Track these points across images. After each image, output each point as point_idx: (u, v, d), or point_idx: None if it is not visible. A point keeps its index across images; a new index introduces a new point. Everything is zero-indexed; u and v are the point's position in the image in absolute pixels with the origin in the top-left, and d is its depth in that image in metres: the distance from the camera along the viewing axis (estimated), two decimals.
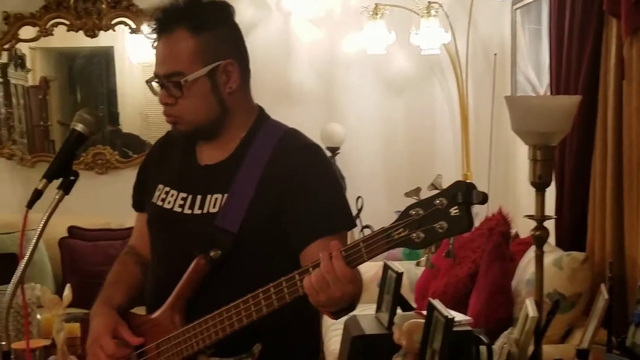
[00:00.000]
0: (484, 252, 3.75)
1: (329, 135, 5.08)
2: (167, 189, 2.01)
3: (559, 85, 3.91)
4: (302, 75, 5.35)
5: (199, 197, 1.95)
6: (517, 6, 4.99)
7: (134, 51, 5.54)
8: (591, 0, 3.50)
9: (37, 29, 5.33)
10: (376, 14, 4.94)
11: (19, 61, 5.59)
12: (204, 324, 1.82)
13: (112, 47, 5.57)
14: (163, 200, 2.01)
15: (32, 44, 5.47)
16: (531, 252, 3.57)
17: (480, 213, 4.85)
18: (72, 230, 5.05)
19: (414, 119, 5.46)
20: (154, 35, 1.92)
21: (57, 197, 1.81)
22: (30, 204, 1.78)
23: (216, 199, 1.92)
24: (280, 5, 5.38)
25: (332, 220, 1.93)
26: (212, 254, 1.86)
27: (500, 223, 3.89)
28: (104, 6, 5.30)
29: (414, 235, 1.57)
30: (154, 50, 1.93)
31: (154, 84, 1.94)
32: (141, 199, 2.13)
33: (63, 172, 1.84)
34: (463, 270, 3.85)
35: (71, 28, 5.34)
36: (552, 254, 3.41)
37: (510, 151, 5.34)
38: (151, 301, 2.00)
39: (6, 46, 5.36)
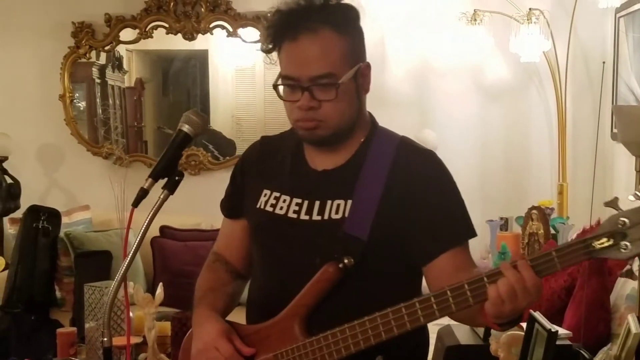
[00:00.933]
0: (581, 265, 3.65)
1: (421, 142, 5.01)
2: (277, 194, 1.95)
3: None
4: (397, 81, 5.31)
5: (317, 203, 1.89)
6: (620, 14, 4.86)
7: (228, 55, 5.60)
8: None
9: (137, 31, 5.43)
10: (475, 20, 4.88)
11: (117, 63, 5.71)
12: (332, 337, 1.76)
13: (206, 50, 5.64)
14: (273, 206, 1.94)
15: (129, 47, 5.58)
16: (633, 266, 3.47)
17: (576, 224, 4.76)
18: (164, 230, 5.11)
19: (510, 127, 5.37)
20: (281, 36, 1.83)
21: (161, 196, 1.81)
22: (136, 203, 1.79)
23: (338, 204, 1.86)
24: (377, 10, 5.36)
25: (458, 231, 1.90)
26: (345, 261, 1.79)
27: None
28: (203, 9, 5.37)
29: (621, 244, 1.55)
30: (284, 52, 1.84)
31: (283, 88, 1.86)
32: (237, 206, 2.06)
33: (168, 172, 1.83)
34: (558, 282, 3.75)
35: (170, 31, 5.42)
36: None
37: (608, 162, 5.22)
38: (258, 311, 1.95)
39: (107, 47, 5.48)
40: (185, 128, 1.83)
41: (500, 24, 5.02)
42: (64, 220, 4.89)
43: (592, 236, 1.56)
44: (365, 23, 5.69)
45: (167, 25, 5.42)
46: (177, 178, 1.82)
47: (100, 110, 5.67)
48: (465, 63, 5.24)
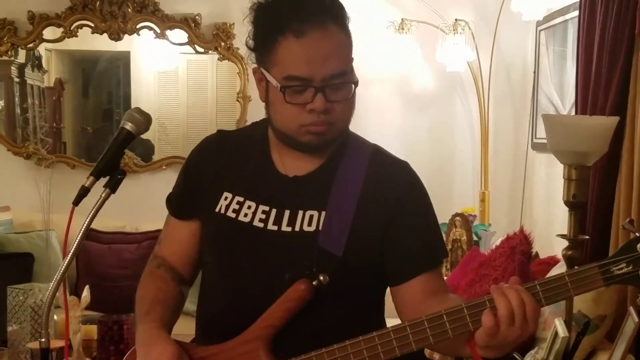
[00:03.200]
0: (505, 270, 3.72)
1: None
2: (240, 199, 1.77)
3: (584, 106, 3.89)
4: None
5: (287, 212, 1.73)
6: (541, 27, 4.98)
7: (151, 57, 5.53)
8: (622, 23, 3.49)
9: (61, 29, 5.30)
10: (402, 29, 4.94)
11: (37, 62, 5.57)
12: None
13: (128, 52, 5.55)
14: (236, 211, 1.76)
15: (49, 46, 5.45)
16: (555, 272, 3.55)
17: (498, 231, 4.86)
18: (88, 233, 5.00)
19: (434, 136, 5.45)
20: (278, 31, 1.64)
21: (103, 195, 1.76)
22: (76, 201, 1.74)
23: (311, 215, 1.72)
24: None
25: (435, 252, 1.80)
26: (321, 278, 1.63)
27: (522, 242, 3.87)
28: (129, 10, 5.28)
29: None
30: (286, 49, 1.64)
31: (286, 89, 1.66)
32: (187, 206, 1.88)
33: (110, 170, 1.77)
34: (483, 288, 3.82)
35: (95, 30, 5.31)
36: None
37: (528, 171, 5.34)
38: (212, 329, 1.79)
39: (30, 45, 5.34)
40: (128, 126, 1.77)
41: (427, 33, 5.09)
42: None
43: (609, 260, 1.47)
44: None
45: (92, 25, 5.31)
46: (119, 177, 1.78)
47: (19, 110, 5.52)
48: (391, 71, 5.29)
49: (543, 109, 4.98)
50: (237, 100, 5.38)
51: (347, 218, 1.71)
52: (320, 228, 1.71)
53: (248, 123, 5.04)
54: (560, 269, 3.64)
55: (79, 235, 1.76)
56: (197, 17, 5.31)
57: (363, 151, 1.83)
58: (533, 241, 3.94)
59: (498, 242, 4.07)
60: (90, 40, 5.40)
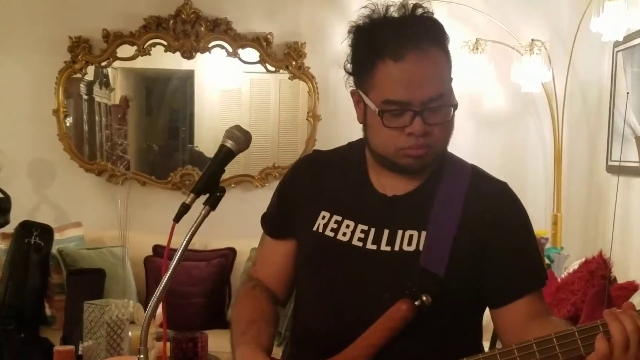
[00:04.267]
0: (585, 295, 3.64)
1: None
2: (338, 218, 1.76)
3: None
4: None
5: (386, 232, 1.72)
6: (619, 48, 4.89)
7: (214, 76, 5.56)
8: None
9: (134, 47, 5.36)
10: (477, 49, 4.89)
11: (104, 79, 5.65)
12: None
13: (192, 70, 5.57)
14: (334, 230, 1.75)
15: (115, 64, 5.48)
16: (637, 297, 3.47)
17: (571, 255, 4.77)
18: (157, 249, 5.04)
19: (506, 156, 5.38)
20: (378, 55, 1.64)
21: (203, 212, 1.75)
22: (177, 218, 1.74)
23: (411, 235, 1.70)
24: None
25: (536, 275, 1.77)
26: (423, 298, 1.62)
27: (600, 266, 3.79)
28: (202, 29, 5.32)
29: None
30: (385, 73, 1.64)
31: (385, 113, 1.65)
32: (283, 225, 1.88)
33: (210, 188, 1.76)
34: (561, 312, 3.74)
35: (168, 49, 5.36)
36: None
37: (603, 194, 5.24)
38: (308, 348, 1.79)
39: (103, 63, 5.41)
40: (229, 144, 1.76)
41: (502, 53, 5.04)
42: (56, 236, 4.81)
43: None
44: None
45: (165, 43, 5.36)
46: (218, 194, 1.76)
47: (87, 127, 5.59)
48: (465, 91, 5.24)
49: (619, 131, 4.89)
50: (307, 119, 5.38)
51: (448, 238, 1.69)
52: (420, 248, 1.69)
53: (317, 142, 5.15)
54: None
55: (179, 253, 1.76)
56: (269, 36, 5.33)
57: (462, 171, 1.81)
58: (612, 265, 3.85)
59: (576, 266, 4.00)
60: (160, 59, 5.44)
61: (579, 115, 5.32)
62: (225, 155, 1.77)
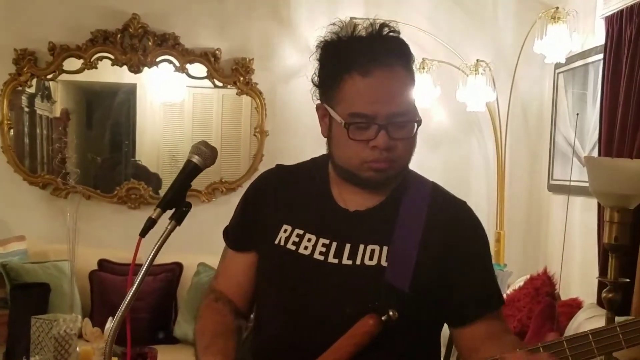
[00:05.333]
0: (531, 311, 3.72)
1: None
2: (300, 231, 1.77)
3: (609, 147, 3.91)
4: None
5: (347, 246, 1.72)
6: (560, 70, 5.02)
7: (156, 90, 5.51)
8: None
9: (81, 61, 5.29)
10: (423, 68, 4.96)
11: (46, 92, 5.56)
12: None
13: (135, 84, 5.51)
14: (296, 244, 1.76)
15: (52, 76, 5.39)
16: (581, 315, 3.54)
17: (514, 272, 4.84)
18: (103, 264, 4.98)
19: (450, 175, 5.43)
20: (344, 69, 1.66)
21: (169, 227, 1.74)
22: (143, 233, 1.72)
23: (372, 250, 1.71)
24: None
25: (498, 294, 1.80)
26: (390, 313, 1.62)
27: (545, 283, 3.88)
28: (150, 43, 5.28)
29: None
30: (352, 87, 1.66)
31: (354, 127, 1.67)
32: (245, 238, 1.88)
33: (177, 203, 1.74)
34: None
35: (116, 63, 5.30)
36: (602, 317, 3.37)
37: (544, 212, 5.35)
38: (268, 358, 1.78)
39: (49, 76, 5.33)
40: (195, 159, 1.74)
41: (446, 73, 5.11)
42: None
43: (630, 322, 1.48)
44: (310, 66, 5.70)
45: (112, 57, 5.30)
46: (184, 209, 1.75)
47: (28, 140, 5.49)
48: None
49: (560, 150, 4.99)
50: (255, 135, 5.37)
51: (411, 254, 1.70)
52: (382, 263, 1.70)
53: (265, 157, 5.14)
54: (585, 312, 3.62)
55: (144, 268, 1.74)
56: (217, 51, 5.32)
57: (423, 188, 1.84)
58: (557, 283, 3.94)
59: (521, 283, 4.07)
60: (105, 73, 5.38)
61: (521, 135, 5.43)
62: (191, 170, 1.76)
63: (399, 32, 1.74)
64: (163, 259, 5.03)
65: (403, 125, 1.68)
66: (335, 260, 1.73)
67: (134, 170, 5.55)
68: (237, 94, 5.38)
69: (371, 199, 1.78)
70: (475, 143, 5.46)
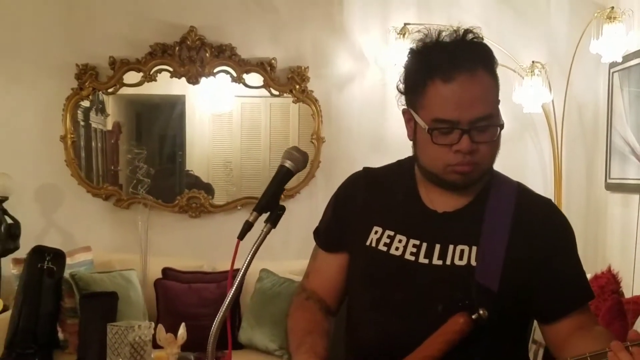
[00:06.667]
0: (597, 309, 3.69)
1: None
2: (390, 233, 1.82)
3: None
4: (397, 128, 5.32)
5: (437, 247, 1.77)
6: (615, 69, 4.99)
7: (205, 101, 5.58)
8: None
9: (141, 74, 5.39)
10: None
11: (100, 106, 5.66)
12: None
13: (183, 95, 5.57)
14: (387, 245, 1.81)
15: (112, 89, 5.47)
16: None
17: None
18: (167, 272, 5.04)
19: (508, 174, 5.43)
20: (428, 76, 1.71)
21: (264, 230, 1.77)
22: (241, 235, 1.75)
23: (462, 250, 1.75)
24: (378, 60, 5.43)
25: (586, 290, 1.83)
26: (480, 312, 1.66)
27: (610, 281, 3.86)
28: (207, 55, 5.36)
29: None
30: (435, 93, 1.70)
31: (434, 131, 1.71)
32: (337, 239, 1.93)
33: (271, 206, 1.78)
34: None
35: (174, 75, 5.39)
36: None
37: (601, 211, 5.32)
38: (363, 356, 1.82)
39: (110, 90, 5.43)
40: (287, 164, 1.80)
41: (502, 75, 5.08)
42: (67, 261, 4.80)
43: None
44: (366, 71, 5.75)
45: (171, 69, 5.39)
46: (279, 212, 1.79)
47: (84, 153, 5.58)
48: None
49: (617, 149, 4.97)
50: (311, 141, 5.41)
51: (499, 254, 1.74)
52: (472, 262, 1.74)
53: (322, 163, 5.18)
54: None
55: (241, 272, 1.77)
56: (273, 60, 5.38)
57: (508, 188, 1.88)
58: (621, 280, 3.92)
59: None
60: (145, 86, 5.45)
61: (577, 134, 5.41)
62: (285, 174, 1.81)
63: (482, 38, 1.78)
64: (224, 266, 5.09)
65: (486, 129, 1.72)
66: (426, 261, 1.77)
67: (187, 180, 5.62)
68: (293, 101, 5.43)
69: (458, 200, 1.82)
70: (530, 144, 5.44)
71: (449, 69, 1.68)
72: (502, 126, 1.75)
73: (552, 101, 5.03)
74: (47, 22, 5.39)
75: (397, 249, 1.80)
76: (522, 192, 1.88)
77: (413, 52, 1.80)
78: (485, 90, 1.72)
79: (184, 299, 4.90)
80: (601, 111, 5.32)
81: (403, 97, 1.85)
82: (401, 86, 1.83)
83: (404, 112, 1.84)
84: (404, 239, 1.81)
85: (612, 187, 5.11)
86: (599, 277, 3.94)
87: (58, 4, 5.40)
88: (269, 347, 4.67)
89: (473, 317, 1.66)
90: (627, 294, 4.07)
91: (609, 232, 5.18)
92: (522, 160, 5.40)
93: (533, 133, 5.42)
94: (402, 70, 1.84)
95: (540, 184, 5.40)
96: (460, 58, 1.69)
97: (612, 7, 4.42)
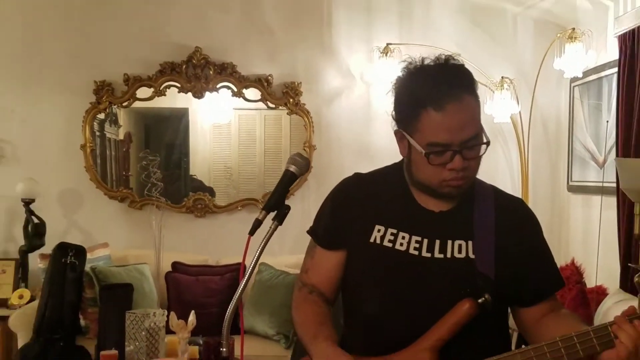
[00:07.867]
0: (563, 298, 3.73)
1: None
2: (393, 230, 1.83)
3: (625, 150, 3.93)
4: (381, 138, 5.36)
5: (437, 242, 1.80)
6: (575, 83, 5.04)
7: (206, 113, 5.57)
8: None
9: (152, 89, 5.40)
10: None
11: (113, 118, 5.67)
12: None
13: (187, 108, 5.58)
14: (392, 241, 1.82)
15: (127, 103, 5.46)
16: (609, 300, 3.55)
17: None
18: (176, 266, 5.05)
19: (479, 177, 5.47)
20: (421, 106, 1.70)
21: (272, 227, 1.79)
22: (252, 232, 1.75)
23: (460, 244, 1.79)
24: (364, 76, 5.46)
25: (559, 278, 1.89)
26: (486, 296, 1.71)
27: (574, 273, 3.89)
28: (211, 72, 5.38)
29: None
30: (428, 121, 1.70)
31: (434, 155, 1.72)
32: (337, 238, 1.92)
33: (278, 206, 1.80)
34: None
35: (182, 90, 5.40)
36: (629, 301, 3.38)
37: (564, 211, 5.35)
38: (371, 345, 1.81)
39: (124, 104, 5.44)
40: (292, 168, 1.81)
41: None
42: (87, 256, 4.81)
43: None
44: (353, 87, 5.74)
45: (179, 85, 5.40)
46: (285, 211, 1.81)
47: (100, 160, 5.58)
48: None
49: (578, 155, 5.01)
50: (304, 149, 5.43)
51: (490, 247, 1.78)
52: (470, 255, 1.78)
53: (314, 170, 5.19)
54: (612, 297, 3.64)
55: (252, 264, 1.78)
56: (269, 77, 5.40)
57: (487, 190, 1.90)
58: (584, 272, 3.95)
59: None
60: (161, 100, 5.46)
61: (541, 142, 5.46)
62: (289, 178, 1.82)
63: (462, 64, 1.78)
64: (227, 260, 5.11)
65: (474, 147, 1.74)
66: (429, 255, 1.79)
67: (192, 184, 5.63)
68: (287, 113, 5.44)
69: (448, 201, 1.85)
70: (500, 150, 5.48)
71: (439, 98, 1.68)
72: (488, 143, 1.76)
73: (520, 112, 5.07)
74: (69, 45, 5.42)
75: (401, 244, 1.82)
76: (498, 194, 1.91)
77: (401, 81, 1.80)
78: (471, 113, 1.72)
79: (192, 289, 4.91)
80: (563, 121, 5.36)
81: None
82: (393, 113, 1.83)
83: (396, 132, 1.84)
84: (406, 235, 1.82)
85: (573, 189, 5.15)
86: (564, 269, 3.97)
87: (79, 30, 5.44)
88: (268, 332, 4.68)
89: (479, 301, 1.71)
90: (590, 285, 4.11)
91: (571, 230, 5.22)
92: (493, 165, 5.43)
93: (502, 141, 5.45)
94: (392, 93, 1.83)
95: (509, 187, 5.42)
96: (447, 85, 1.69)
97: (573, 28, 4.46)
